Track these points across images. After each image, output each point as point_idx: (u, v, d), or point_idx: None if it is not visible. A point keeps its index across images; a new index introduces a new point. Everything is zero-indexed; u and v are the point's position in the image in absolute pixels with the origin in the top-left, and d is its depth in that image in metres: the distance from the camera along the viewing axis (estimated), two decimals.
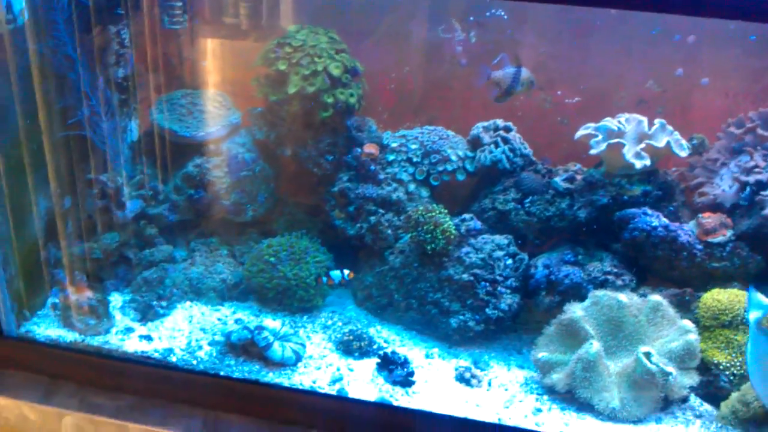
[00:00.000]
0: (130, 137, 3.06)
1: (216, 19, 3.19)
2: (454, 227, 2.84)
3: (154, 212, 3.09)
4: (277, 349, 2.56)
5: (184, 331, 2.76)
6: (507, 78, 2.66)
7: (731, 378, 2.44)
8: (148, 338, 2.69)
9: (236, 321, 2.72)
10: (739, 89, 3.00)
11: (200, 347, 2.65)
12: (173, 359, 2.58)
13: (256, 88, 3.08)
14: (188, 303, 2.95)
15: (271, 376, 2.51)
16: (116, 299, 2.89)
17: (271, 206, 3.25)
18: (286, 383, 2.49)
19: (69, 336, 2.65)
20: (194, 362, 2.56)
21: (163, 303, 2.86)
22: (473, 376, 2.60)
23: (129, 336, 2.69)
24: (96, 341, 2.64)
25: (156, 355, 2.59)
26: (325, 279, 2.85)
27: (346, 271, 2.84)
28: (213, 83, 3.27)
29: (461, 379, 2.59)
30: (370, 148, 3.04)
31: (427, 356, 2.75)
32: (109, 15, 2.75)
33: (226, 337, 2.62)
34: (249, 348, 2.60)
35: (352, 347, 2.69)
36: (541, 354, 2.56)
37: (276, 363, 2.56)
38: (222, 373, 2.50)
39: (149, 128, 3.11)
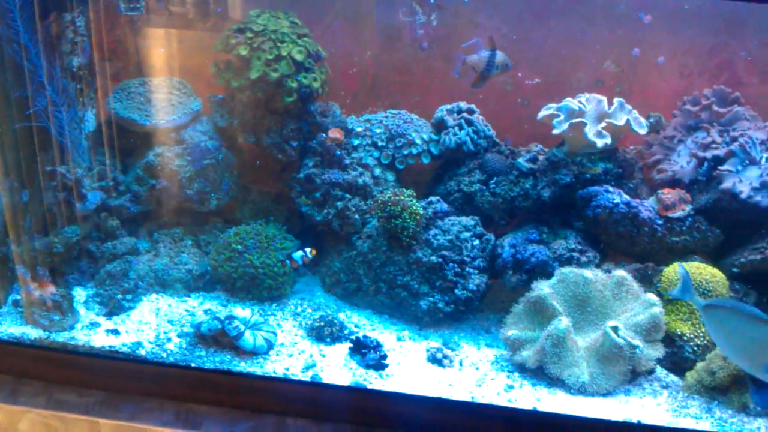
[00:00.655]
0: (88, 127, 2.99)
1: (175, 4, 3.12)
2: (422, 209, 2.85)
3: (116, 204, 3.03)
4: (248, 338, 2.54)
5: (152, 324, 2.72)
6: (482, 62, 2.67)
7: (695, 348, 2.52)
8: (115, 332, 2.64)
9: (205, 311, 2.69)
10: (695, 67, 3.07)
11: (169, 339, 2.62)
12: (142, 353, 2.54)
13: (216, 75, 3.03)
14: (154, 295, 2.91)
15: (243, 366, 2.49)
16: (80, 294, 2.83)
17: (235, 194, 3.22)
18: (259, 372, 2.47)
19: (33, 333, 2.59)
20: (164, 355, 2.53)
21: (129, 296, 2.81)
22: (445, 357, 2.62)
23: (95, 331, 2.64)
24: (61, 337, 2.58)
25: (124, 349, 2.55)
26: (288, 262, 2.84)
27: (308, 249, 2.84)
28: (172, 70, 3.20)
29: (433, 359, 2.62)
30: (335, 133, 3.03)
31: (398, 339, 2.76)
32: (64, 2, 2.67)
33: (196, 328, 2.59)
34: (220, 338, 2.57)
35: (324, 333, 2.69)
36: (511, 332, 2.59)
37: (248, 352, 2.54)
38: (193, 365, 2.48)
39: (108, 117, 3.04)
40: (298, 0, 3.19)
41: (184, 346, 2.58)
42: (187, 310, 2.83)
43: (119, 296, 2.79)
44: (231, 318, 2.56)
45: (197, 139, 3.09)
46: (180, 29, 3.16)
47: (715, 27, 3.02)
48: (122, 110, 3.04)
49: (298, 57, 2.92)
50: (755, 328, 2.04)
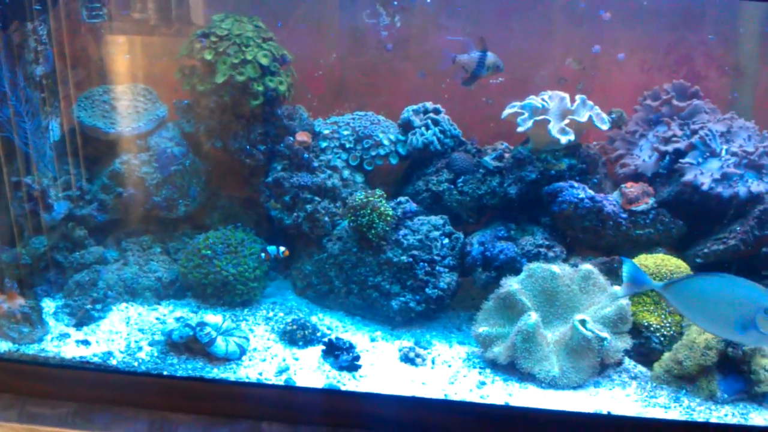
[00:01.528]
0: (53, 137, 2.96)
1: (138, 11, 3.10)
2: (391, 210, 2.87)
3: (83, 213, 3.00)
4: (220, 344, 2.54)
5: (122, 333, 2.70)
6: (472, 62, 2.70)
7: (662, 339, 2.56)
8: (86, 343, 2.62)
9: (177, 319, 2.68)
10: (654, 62, 3.13)
11: (140, 348, 2.60)
12: (113, 362, 2.52)
13: (181, 80, 3.02)
14: (124, 304, 2.89)
15: (216, 372, 2.48)
16: (49, 305, 2.81)
17: (203, 200, 3.21)
18: (232, 378, 2.47)
19: (2, 346, 2.56)
20: (135, 364, 2.51)
21: (98, 306, 2.79)
22: (417, 356, 2.64)
23: (65, 342, 2.62)
24: (31, 349, 2.56)
25: (95, 359, 2.53)
26: (263, 255, 2.87)
27: (282, 249, 2.87)
28: (137, 77, 3.18)
29: (406, 359, 2.63)
30: (302, 136, 3.04)
31: (371, 340, 2.78)
32: (26, 10, 2.64)
33: (167, 336, 2.58)
34: (191, 345, 2.57)
35: (296, 336, 2.69)
36: (482, 329, 2.62)
37: (220, 358, 2.54)
38: (165, 373, 2.47)
39: (72, 126, 3.01)
40: (262, 4, 3.19)
41: (156, 354, 2.57)
42: (157, 318, 2.82)
43: (88, 306, 2.77)
44: (202, 325, 2.56)
45: (163, 145, 3.07)
46: (144, 35, 3.15)
47: (674, 22, 3.08)
48: (87, 118, 3.01)
49: (264, 61, 2.93)
50: (717, 285, 2.08)
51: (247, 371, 2.51)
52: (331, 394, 2.43)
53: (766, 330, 2.00)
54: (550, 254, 2.79)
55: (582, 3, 2.73)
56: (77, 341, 2.62)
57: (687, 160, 2.77)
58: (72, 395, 2.41)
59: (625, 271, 2.23)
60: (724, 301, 2.07)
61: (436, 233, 2.90)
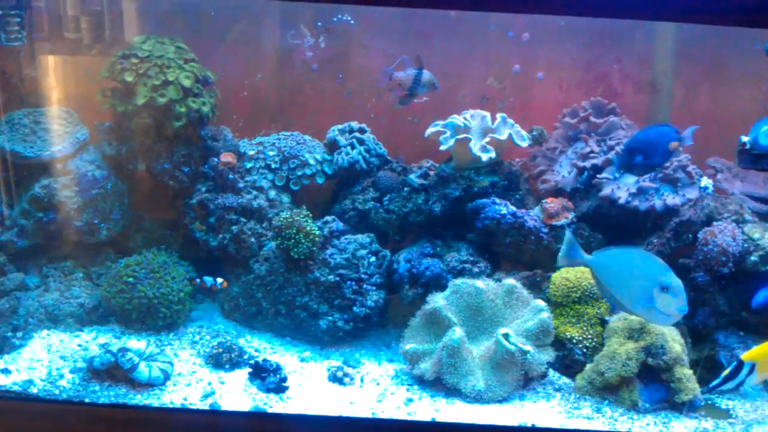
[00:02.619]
0: None
1: (57, 34, 3.05)
2: (317, 230, 2.87)
3: (2, 239, 2.92)
4: (143, 370, 2.49)
5: (44, 361, 2.63)
6: (408, 79, 2.72)
7: (585, 350, 2.62)
8: (5, 371, 2.54)
9: (100, 345, 2.63)
10: (572, 81, 3.22)
11: (62, 376, 2.54)
12: (34, 390, 2.45)
13: (102, 102, 2.99)
14: (45, 331, 2.82)
15: (139, 398, 2.44)
16: None
17: (126, 224, 3.16)
18: (155, 404, 2.42)
19: None
20: (57, 392, 2.45)
21: (18, 333, 2.72)
22: (346, 375, 2.64)
23: None
24: None
25: (15, 388, 2.45)
26: (198, 281, 2.86)
27: (220, 280, 2.87)
28: (56, 100, 3.13)
29: (334, 378, 2.63)
30: (226, 157, 3.02)
31: (300, 360, 2.77)
32: None
33: (89, 363, 2.52)
34: (114, 371, 2.51)
35: (222, 360, 2.66)
36: (409, 345, 2.64)
37: (144, 384, 2.49)
38: (87, 400, 2.41)
39: None
40: (187, 25, 3.18)
41: (78, 381, 2.51)
42: (80, 345, 2.75)
43: (9, 334, 2.69)
44: (124, 350, 2.51)
45: (84, 168, 3.02)
46: (65, 57, 3.10)
47: (591, 41, 3.18)
48: (6, 143, 2.94)
49: (186, 82, 2.91)
50: (633, 260, 2.16)
51: (171, 396, 2.47)
52: (257, 417, 2.41)
53: (663, 307, 2.06)
54: (475, 270, 2.83)
55: (510, 32, 2.80)
56: None
57: (604, 175, 2.86)
58: None
59: (564, 245, 2.26)
60: (635, 276, 2.12)
61: (363, 252, 2.91)
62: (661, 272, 2.07)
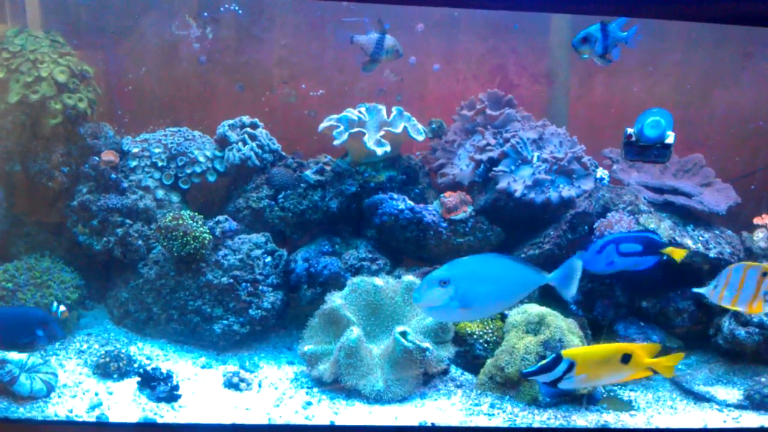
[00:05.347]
0: None
1: None
2: (207, 231, 2.76)
3: None
4: (24, 382, 2.35)
5: None
6: (370, 43, 2.58)
7: (485, 345, 2.61)
8: None
9: None
10: (468, 72, 3.21)
11: None
12: None
13: None
14: None
15: (22, 411, 2.30)
16: None
17: (6, 228, 2.97)
18: (39, 417, 2.29)
19: None
20: None
21: None
22: (242, 380, 2.55)
23: None
24: None
25: None
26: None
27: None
28: None
29: (230, 384, 2.54)
30: (108, 156, 2.86)
31: (196, 366, 2.66)
32: None
33: None
34: None
35: (110, 369, 2.53)
36: (307, 347, 2.57)
37: (25, 397, 2.35)
38: None
39: None
40: (70, 18, 2.99)
41: None
42: None
43: None
44: (3, 362, 2.36)
45: None
46: None
47: (485, 33, 3.17)
48: None
49: (61, 77, 2.74)
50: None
51: (56, 409, 2.34)
52: (146, 427, 2.31)
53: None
54: (374, 267, 2.79)
55: (387, 23, 2.73)
56: None
57: (500, 168, 2.85)
58: None
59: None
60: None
61: (258, 252, 2.82)
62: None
